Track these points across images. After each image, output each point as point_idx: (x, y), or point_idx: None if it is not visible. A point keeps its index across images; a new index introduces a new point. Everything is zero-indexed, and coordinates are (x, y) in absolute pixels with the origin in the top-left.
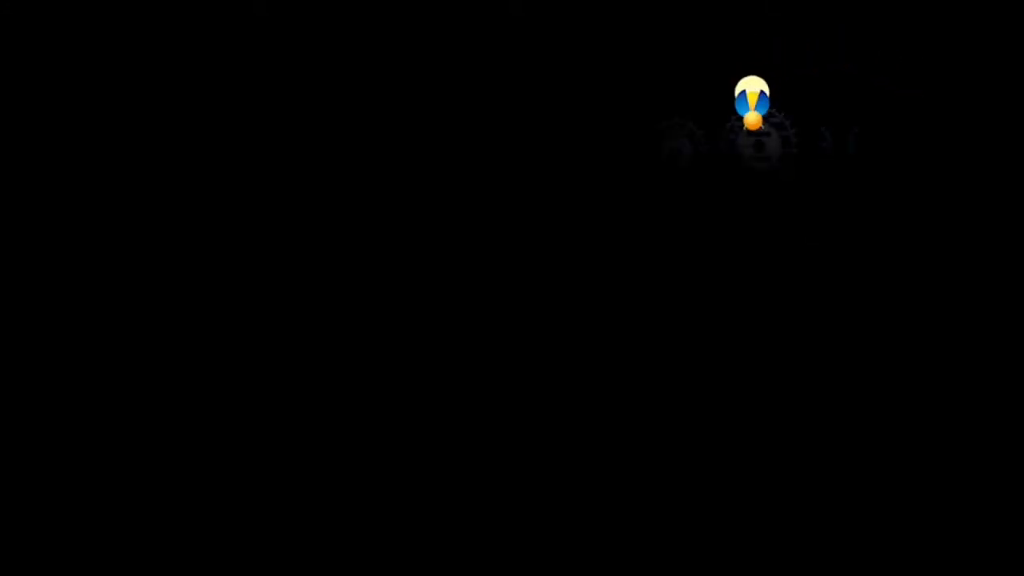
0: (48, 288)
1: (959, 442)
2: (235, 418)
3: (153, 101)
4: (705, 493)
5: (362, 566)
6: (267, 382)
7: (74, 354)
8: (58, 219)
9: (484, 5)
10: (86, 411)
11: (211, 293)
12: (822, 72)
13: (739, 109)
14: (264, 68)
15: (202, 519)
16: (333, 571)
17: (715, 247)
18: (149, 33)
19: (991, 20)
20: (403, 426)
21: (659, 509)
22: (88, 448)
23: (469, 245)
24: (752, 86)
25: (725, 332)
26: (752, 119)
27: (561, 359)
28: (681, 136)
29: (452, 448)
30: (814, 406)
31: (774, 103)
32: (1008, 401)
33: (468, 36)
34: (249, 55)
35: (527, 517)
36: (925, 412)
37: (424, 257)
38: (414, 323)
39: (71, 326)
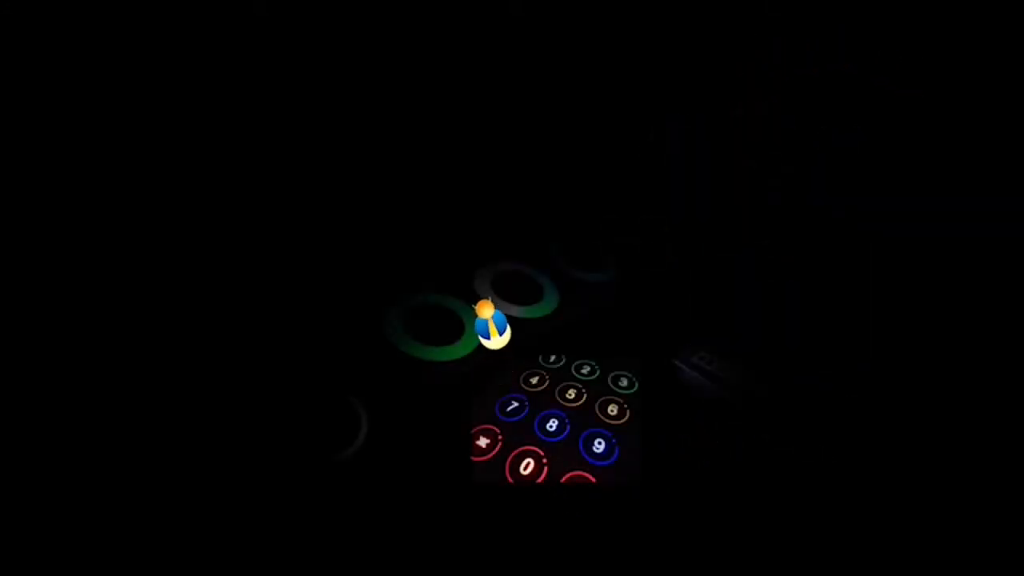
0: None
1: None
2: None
3: (153, 101)
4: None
5: None
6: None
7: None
8: (54, 219)
9: (484, 5)
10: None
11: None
12: (822, 72)
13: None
14: (264, 68)
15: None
16: None
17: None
18: (149, 33)
19: (991, 20)
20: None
21: None
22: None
23: (464, 242)
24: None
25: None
26: (485, 311)
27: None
28: None
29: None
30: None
31: (771, 104)
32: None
33: (468, 36)
34: (249, 55)
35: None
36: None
37: (418, 254)
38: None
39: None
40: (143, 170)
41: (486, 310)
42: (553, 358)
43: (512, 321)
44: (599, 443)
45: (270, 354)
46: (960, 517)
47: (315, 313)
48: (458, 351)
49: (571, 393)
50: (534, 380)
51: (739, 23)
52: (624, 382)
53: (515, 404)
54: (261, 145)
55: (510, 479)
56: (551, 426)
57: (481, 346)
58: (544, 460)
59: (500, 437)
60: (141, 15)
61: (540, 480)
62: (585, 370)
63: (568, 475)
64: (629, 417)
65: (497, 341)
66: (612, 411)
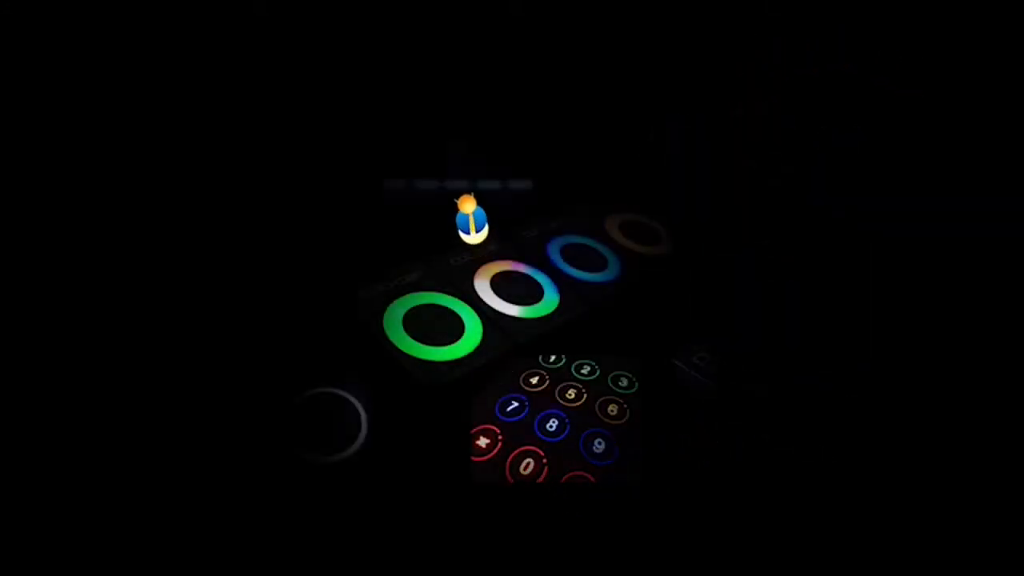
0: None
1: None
2: None
3: (153, 101)
4: None
5: None
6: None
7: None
8: (52, 218)
9: (484, 5)
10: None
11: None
12: (822, 72)
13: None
14: (264, 68)
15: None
16: None
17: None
18: (149, 33)
19: (991, 20)
20: None
21: None
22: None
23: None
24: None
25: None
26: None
27: None
28: None
29: None
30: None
31: (771, 104)
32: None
33: (468, 36)
34: (249, 55)
35: None
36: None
37: (418, 254)
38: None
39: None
40: (140, 168)
41: (468, 205)
42: (553, 358)
43: (512, 321)
44: (599, 443)
45: (269, 355)
46: (959, 516)
47: (315, 313)
48: (458, 351)
49: (571, 393)
50: (534, 380)
51: (739, 23)
52: (624, 382)
53: (515, 404)
54: (263, 144)
55: (510, 479)
56: (551, 426)
57: (481, 347)
58: (544, 460)
59: (500, 437)
60: (142, 15)
61: (540, 480)
62: (585, 370)
63: (568, 475)
64: (629, 417)
65: (476, 236)
66: (612, 411)
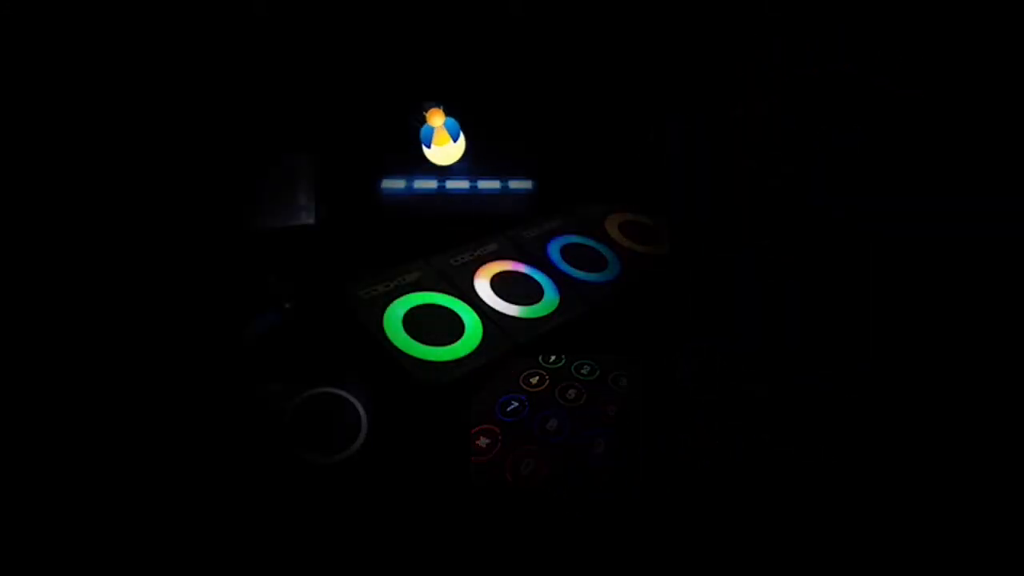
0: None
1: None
2: None
3: (153, 101)
4: None
5: None
6: None
7: None
8: (51, 218)
9: (484, 5)
10: None
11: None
12: (822, 72)
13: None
14: (264, 68)
15: None
16: None
17: None
18: (149, 33)
19: (991, 20)
20: None
21: None
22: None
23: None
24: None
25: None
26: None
27: None
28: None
29: None
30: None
31: (771, 104)
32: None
33: (468, 36)
34: (249, 55)
35: None
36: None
37: (416, 255)
38: None
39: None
40: (139, 167)
41: (436, 118)
42: (553, 358)
43: (512, 321)
44: (599, 443)
45: (269, 354)
46: (959, 516)
47: (315, 314)
48: (458, 351)
49: (571, 393)
50: (534, 380)
51: (739, 23)
52: (624, 382)
53: (515, 404)
54: (262, 143)
55: (510, 479)
56: (551, 426)
57: (481, 347)
58: (544, 460)
59: (500, 437)
60: (142, 15)
61: (540, 480)
62: (585, 370)
63: (567, 475)
64: (629, 417)
65: (446, 152)
66: (612, 411)
